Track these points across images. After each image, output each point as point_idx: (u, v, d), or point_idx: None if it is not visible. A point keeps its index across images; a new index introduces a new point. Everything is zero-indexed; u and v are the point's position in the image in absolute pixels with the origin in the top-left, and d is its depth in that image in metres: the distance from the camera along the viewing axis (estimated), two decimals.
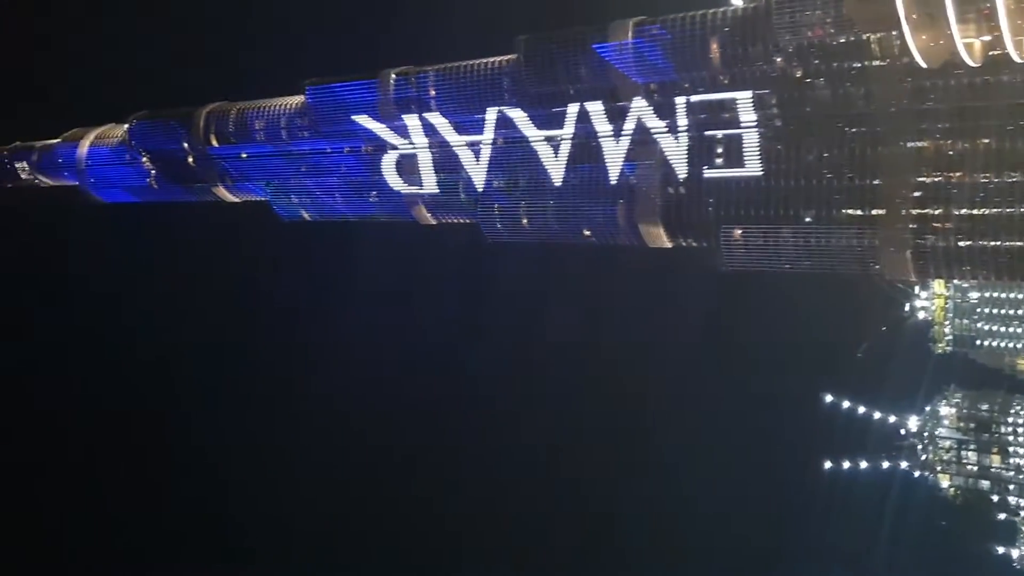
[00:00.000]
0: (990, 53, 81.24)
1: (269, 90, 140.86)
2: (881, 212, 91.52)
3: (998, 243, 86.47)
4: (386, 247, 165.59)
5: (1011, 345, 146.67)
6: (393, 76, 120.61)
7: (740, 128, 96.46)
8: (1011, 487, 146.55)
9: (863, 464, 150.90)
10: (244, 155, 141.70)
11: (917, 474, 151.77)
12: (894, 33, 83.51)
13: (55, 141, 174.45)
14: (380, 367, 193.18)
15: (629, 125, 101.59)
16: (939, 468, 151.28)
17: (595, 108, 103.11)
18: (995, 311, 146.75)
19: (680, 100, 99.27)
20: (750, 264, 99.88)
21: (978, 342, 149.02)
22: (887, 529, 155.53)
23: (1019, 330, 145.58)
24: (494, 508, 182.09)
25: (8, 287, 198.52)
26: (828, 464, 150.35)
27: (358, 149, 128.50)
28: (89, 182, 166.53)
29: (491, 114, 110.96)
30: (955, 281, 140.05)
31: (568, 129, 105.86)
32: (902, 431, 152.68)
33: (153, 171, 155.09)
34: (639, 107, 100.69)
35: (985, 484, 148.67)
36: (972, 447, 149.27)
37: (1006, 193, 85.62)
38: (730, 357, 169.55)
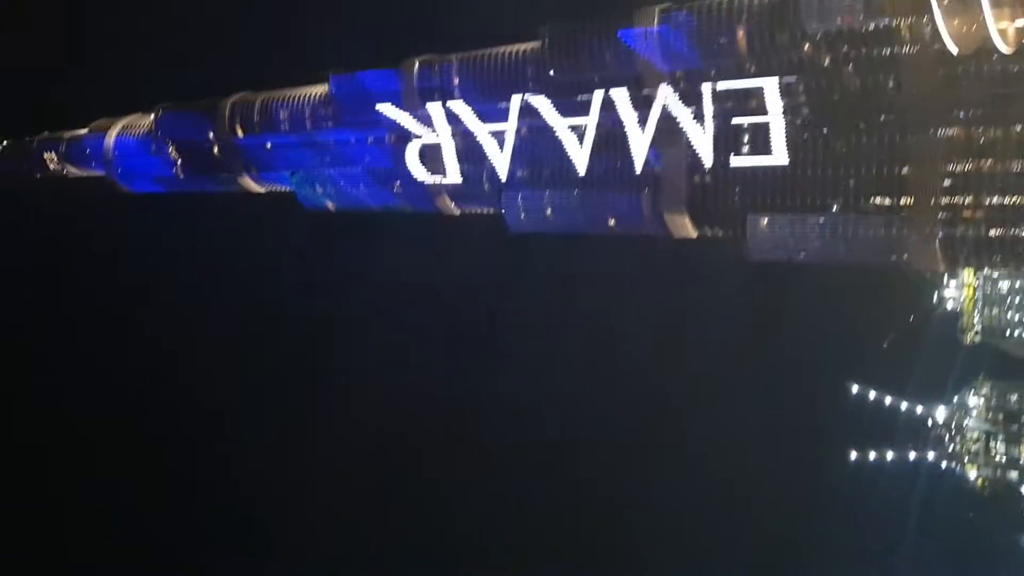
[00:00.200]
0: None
1: (294, 80, 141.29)
2: (910, 201, 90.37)
3: None
4: (409, 238, 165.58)
5: None
6: (417, 65, 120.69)
7: (767, 116, 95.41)
8: None
9: (890, 455, 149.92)
10: (269, 145, 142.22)
11: (945, 465, 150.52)
12: (925, 18, 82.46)
13: (82, 131, 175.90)
14: (402, 359, 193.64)
15: (655, 113, 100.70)
16: (967, 459, 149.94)
17: (620, 96, 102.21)
18: None
19: (706, 87, 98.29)
20: (776, 254, 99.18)
21: (1008, 332, 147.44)
22: (914, 520, 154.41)
23: None
24: (520, 498, 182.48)
25: (35, 279, 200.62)
26: (854, 455, 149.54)
27: (382, 139, 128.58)
28: (116, 172, 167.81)
29: (515, 102, 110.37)
30: (985, 271, 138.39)
31: (593, 117, 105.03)
32: (930, 422, 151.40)
33: (179, 161, 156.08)
34: (665, 95, 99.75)
35: (1013, 475, 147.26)
36: (1001, 438, 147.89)
37: None
38: (754, 348, 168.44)
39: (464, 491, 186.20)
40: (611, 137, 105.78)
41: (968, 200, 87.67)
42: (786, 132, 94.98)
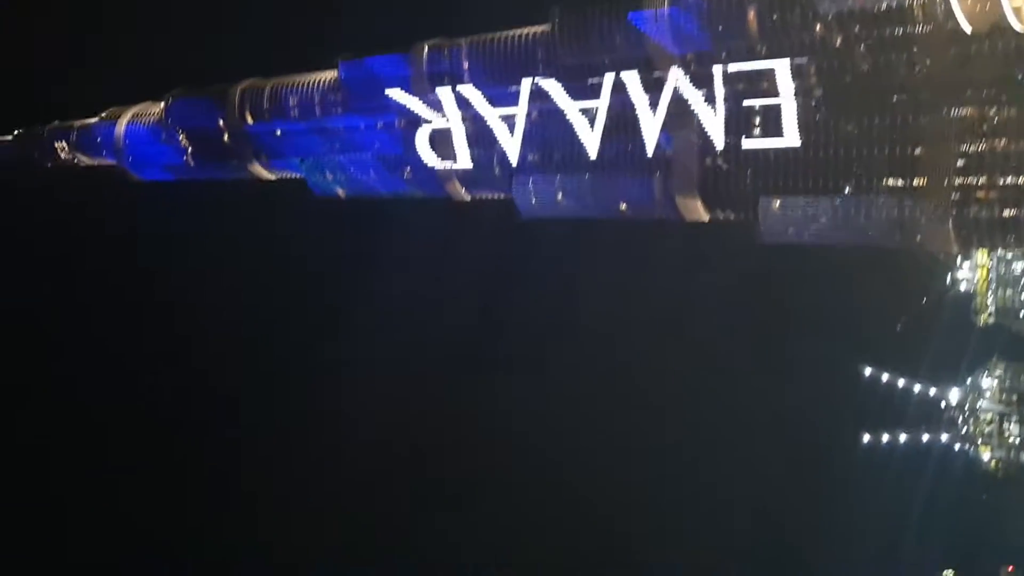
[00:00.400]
0: None
1: (302, 66, 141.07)
2: (923, 182, 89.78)
3: None
4: (418, 224, 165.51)
5: None
6: (426, 49, 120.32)
7: (778, 98, 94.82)
8: None
9: (902, 437, 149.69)
10: (278, 132, 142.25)
11: (958, 447, 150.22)
12: None
13: (93, 120, 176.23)
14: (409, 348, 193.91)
15: (665, 96, 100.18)
16: (980, 441, 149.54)
17: (631, 79, 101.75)
18: None
19: (717, 70, 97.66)
20: (788, 236, 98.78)
21: (1022, 314, 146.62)
22: (927, 503, 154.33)
23: None
24: (531, 485, 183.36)
25: (45, 269, 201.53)
26: (867, 438, 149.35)
27: (391, 124, 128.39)
28: (127, 161, 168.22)
29: (525, 86, 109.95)
30: (998, 252, 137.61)
31: (603, 101, 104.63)
32: (943, 404, 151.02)
33: (190, 149, 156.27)
34: (676, 77, 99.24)
35: None
36: (1015, 419, 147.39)
37: None
38: (767, 331, 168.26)
39: (478, 480, 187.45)
40: (622, 120, 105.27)
41: (982, 180, 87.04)
42: (798, 114, 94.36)
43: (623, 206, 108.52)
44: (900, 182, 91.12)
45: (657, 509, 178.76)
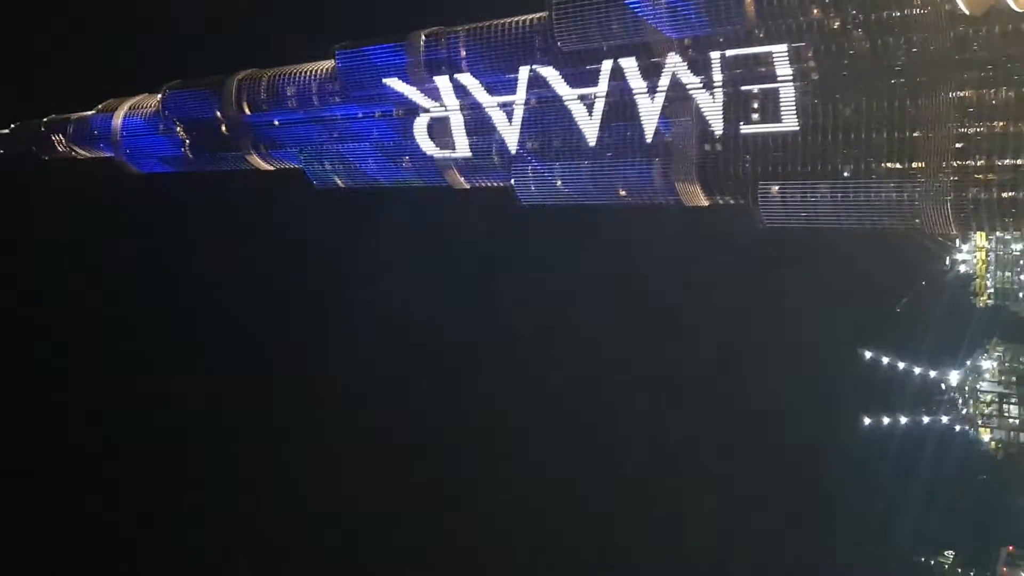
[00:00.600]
0: None
1: (299, 56, 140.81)
2: (921, 165, 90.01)
3: None
4: (418, 213, 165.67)
5: None
6: (423, 37, 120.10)
7: (776, 82, 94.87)
8: None
9: (903, 419, 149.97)
10: (276, 122, 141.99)
11: (958, 428, 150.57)
12: None
13: (90, 112, 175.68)
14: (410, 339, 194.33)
15: (664, 82, 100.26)
16: (980, 422, 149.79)
17: (629, 65, 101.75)
18: None
19: (715, 55, 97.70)
20: (788, 220, 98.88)
21: (1021, 295, 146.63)
22: (927, 483, 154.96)
23: None
24: (535, 481, 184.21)
25: (51, 260, 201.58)
26: (867, 420, 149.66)
27: (389, 113, 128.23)
28: (125, 153, 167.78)
29: (523, 73, 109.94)
30: (997, 233, 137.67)
31: (602, 87, 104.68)
32: (942, 386, 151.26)
33: (187, 141, 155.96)
34: (673, 63, 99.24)
35: None
36: (1014, 400, 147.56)
37: None
38: (767, 315, 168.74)
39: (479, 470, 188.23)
40: (620, 106, 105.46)
41: (980, 162, 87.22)
42: (796, 98, 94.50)
43: (623, 192, 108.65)
44: (899, 165, 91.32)
45: (656, 492, 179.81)
